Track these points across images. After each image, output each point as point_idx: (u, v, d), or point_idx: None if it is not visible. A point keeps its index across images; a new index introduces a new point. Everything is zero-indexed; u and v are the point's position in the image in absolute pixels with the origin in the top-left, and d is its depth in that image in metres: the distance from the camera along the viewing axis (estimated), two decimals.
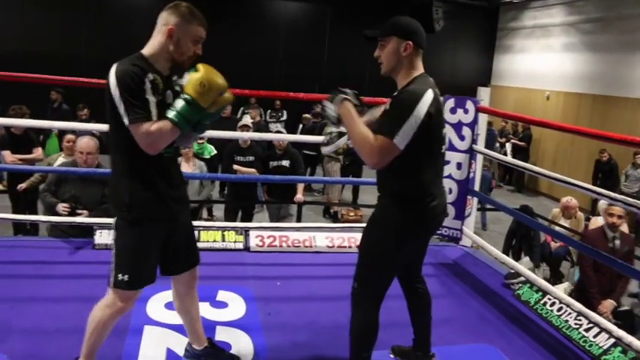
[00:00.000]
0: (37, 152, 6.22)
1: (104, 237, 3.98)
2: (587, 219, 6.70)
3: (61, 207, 3.98)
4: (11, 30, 12.03)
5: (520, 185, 12.47)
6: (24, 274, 3.53)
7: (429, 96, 2.23)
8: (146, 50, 2.22)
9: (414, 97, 2.22)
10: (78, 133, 6.05)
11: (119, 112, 2.06)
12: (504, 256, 4.17)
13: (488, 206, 7.07)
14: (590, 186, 3.36)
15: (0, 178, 8.46)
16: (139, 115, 2.04)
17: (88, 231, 4.02)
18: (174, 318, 2.99)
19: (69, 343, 2.68)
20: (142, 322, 2.93)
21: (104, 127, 5.13)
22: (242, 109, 10.43)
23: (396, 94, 2.34)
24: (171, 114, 2.08)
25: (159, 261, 2.37)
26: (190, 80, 2.09)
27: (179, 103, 2.09)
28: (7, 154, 6.04)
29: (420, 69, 2.39)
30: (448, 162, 4.28)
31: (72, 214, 3.97)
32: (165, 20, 2.18)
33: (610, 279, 4.61)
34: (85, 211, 4.00)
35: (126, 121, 2.05)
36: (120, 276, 2.26)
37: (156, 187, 2.21)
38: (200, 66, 2.13)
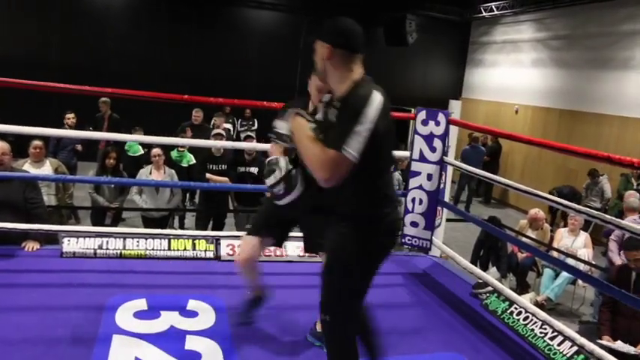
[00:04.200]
0: None
1: (72, 245, 3.92)
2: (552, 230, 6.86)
3: None
4: None
5: (488, 197, 12.66)
6: None
7: (378, 98, 2.06)
8: None
9: (362, 101, 2.03)
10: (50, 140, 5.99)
11: None
12: (472, 266, 4.23)
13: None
14: (555, 198, 3.43)
15: None
16: None
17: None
18: (143, 327, 2.97)
19: (33, 354, 2.63)
20: (111, 332, 2.89)
21: (79, 133, 5.08)
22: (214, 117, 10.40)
23: (337, 101, 2.15)
24: None
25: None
26: None
27: None
28: None
29: (357, 73, 2.18)
30: (419, 173, 4.34)
31: None
32: None
33: (630, 321, 4.19)
34: None
35: None
36: None
37: None
38: None
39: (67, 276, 3.64)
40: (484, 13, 13.10)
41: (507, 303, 3.56)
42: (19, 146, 5.50)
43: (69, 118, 7.91)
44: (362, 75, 2.19)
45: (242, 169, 6.05)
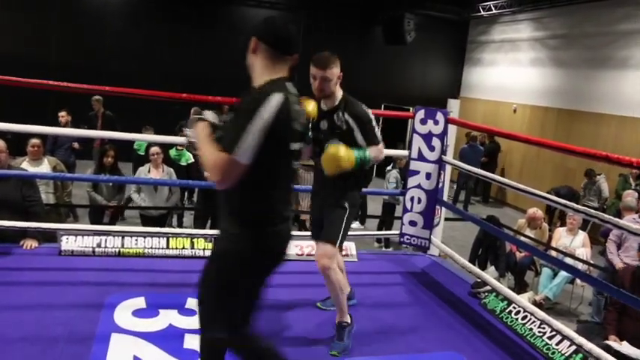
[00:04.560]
0: None
1: (70, 243, 3.92)
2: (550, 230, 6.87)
3: None
4: None
5: (486, 196, 12.67)
6: None
7: (276, 99, 1.92)
8: None
9: (257, 102, 1.91)
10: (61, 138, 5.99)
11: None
12: (471, 265, 4.24)
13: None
14: (554, 197, 3.44)
15: None
16: None
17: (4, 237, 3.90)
18: (142, 325, 2.97)
19: (29, 351, 2.63)
20: (110, 330, 2.89)
21: (72, 131, 5.07)
22: None
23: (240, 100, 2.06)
24: None
25: None
26: None
27: None
28: None
29: (277, 74, 2.05)
30: (417, 172, 4.34)
31: None
32: None
33: (638, 324, 4.06)
34: None
35: None
36: None
37: None
38: None
39: (65, 274, 3.64)
40: (482, 12, 13.11)
41: (506, 302, 3.56)
42: (18, 145, 5.49)
43: (62, 116, 7.90)
44: (281, 75, 2.06)
45: None
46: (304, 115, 2.19)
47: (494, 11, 12.72)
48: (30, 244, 3.92)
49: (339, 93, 3.01)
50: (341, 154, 2.78)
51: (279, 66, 2.06)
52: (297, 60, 2.11)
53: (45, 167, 5.40)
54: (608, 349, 3.10)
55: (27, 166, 5.18)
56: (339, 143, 2.87)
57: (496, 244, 6.49)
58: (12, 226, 3.79)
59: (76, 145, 7.88)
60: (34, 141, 5.37)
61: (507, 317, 3.46)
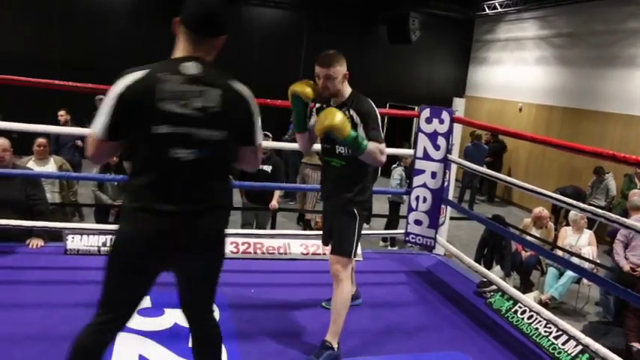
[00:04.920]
0: None
1: (76, 242, 3.93)
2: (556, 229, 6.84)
3: None
4: None
5: (492, 195, 12.64)
6: None
7: (129, 79, 1.84)
8: None
9: (117, 78, 1.87)
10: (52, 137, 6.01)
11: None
12: (476, 264, 4.22)
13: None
14: (560, 197, 3.43)
15: None
16: None
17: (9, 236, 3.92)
18: (147, 324, 2.97)
19: (35, 351, 2.64)
20: None
21: (75, 130, 5.07)
22: None
23: None
24: None
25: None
26: None
27: None
28: None
29: (178, 52, 1.95)
30: (423, 171, 4.33)
31: None
32: None
33: None
34: None
35: None
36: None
37: None
38: None
39: (70, 273, 3.64)
40: (487, 11, 13.07)
41: (511, 302, 3.55)
42: (23, 144, 5.51)
43: (61, 115, 7.91)
44: (179, 57, 1.93)
45: None
46: (195, 98, 1.85)
47: (499, 10, 12.68)
48: (36, 242, 3.93)
49: (347, 90, 2.98)
50: (337, 115, 2.71)
51: (184, 44, 1.94)
52: (222, 42, 1.98)
53: (51, 167, 5.41)
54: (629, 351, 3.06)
55: (33, 165, 5.20)
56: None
57: (502, 243, 6.46)
58: (18, 225, 3.80)
59: (79, 142, 7.88)
60: (40, 140, 5.38)
61: (513, 317, 3.45)
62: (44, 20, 12.10)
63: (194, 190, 1.95)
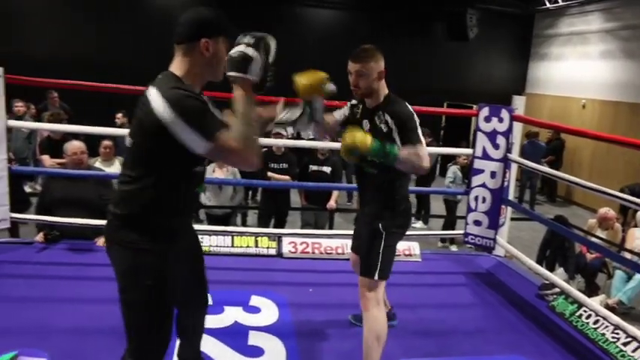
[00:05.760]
0: None
1: None
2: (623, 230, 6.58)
3: (39, 237, 4.13)
4: (58, 36, 12.39)
5: (553, 195, 12.27)
6: (63, 275, 3.63)
7: None
8: None
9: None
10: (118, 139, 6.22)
11: None
12: (538, 266, 4.12)
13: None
14: (627, 196, 3.30)
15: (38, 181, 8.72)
16: None
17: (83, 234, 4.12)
18: (208, 322, 3.04)
19: (105, 343, 2.75)
20: None
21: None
22: None
23: None
24: None
25: None
26: None
27: None
28: (46, 159, 6.21)
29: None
30: (482, 171, 4.26)
31: (48, 241, 4.09)
32: None
33: None
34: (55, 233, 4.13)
35: None
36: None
37: None
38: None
39: None
40: (548, 5, 12.68)
41: (576, 305, 3.45)
42: (89, 146, 5.74)
43: (118, 118, 8.14)
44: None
45: (314, 167, 6.12)
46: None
47: (561, 3, 12.29)
48: (103, 240, 4.09)
49: (383, 91, 2.71)
50: (356, 135, 2.48)
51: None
52: (194, 48, 2.01)
53: (116, 167, 5.61)
54: None
55: (99, 166, 5.40)
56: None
57: (565, 245, 6.27)
58: (86, 224, 3.98)
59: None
60: (106, 142, 5.59)
61: (577, 321, 3.34)
62: (103, 23, 12.56)
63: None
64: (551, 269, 6.17)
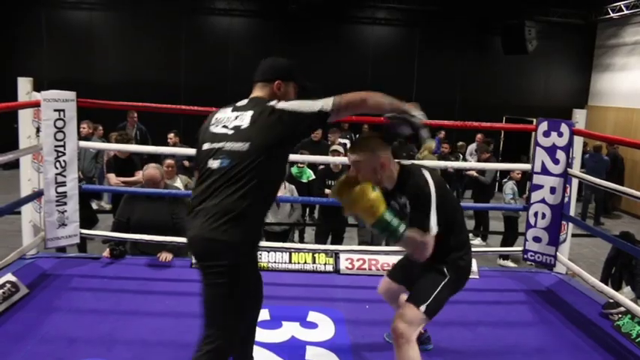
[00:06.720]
0: (139, 175, 6.61)
1: None
2: None
3: (105, 253, 4.32)
4: (122, 61, 13.00)
5: (617, 210, 11.79)
6: (128, 289, 3.78)
7: None
8: None
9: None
10: (177, 158, 6.43)
11: None
12: (602, 284, 3.98)
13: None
14: None
15: (107, 199, 9.09)
16: None
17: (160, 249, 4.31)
18: (266, 336, 3.11)
19: (169, 355, 2.86)
20: None
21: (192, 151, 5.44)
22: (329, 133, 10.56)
23: None
24: None
25: None
26: None
27: None
28: (112, 177, 6.49)
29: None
30: (541, 186, 4.18)
31: (114, 256, 4.27)
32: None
33: None
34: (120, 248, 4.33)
35: None
36: None
37: None
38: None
39: (196, 285, 3.87)
40: (612, 14, 12.32)
41: None
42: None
43: (170, 138, 8.31)
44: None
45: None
46: (226, 119, 2.28)
47: (625, 12, 11.91)
48: (165, 256, 4.25)
49: (393, 174, 2.52)
50: (363, 199, 2.31)
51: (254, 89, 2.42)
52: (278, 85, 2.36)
53: (179, 185, 5.80)
54: None
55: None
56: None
57: (632, 262, 6.03)
58: (150, 240, 4.19)
59: (186, 162, 8.15)
60: (169, 162, 5.79)
61: None
62: (172, 46, 13.06)
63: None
64: (618, 288, 5.95)
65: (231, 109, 2.34)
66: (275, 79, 2.35)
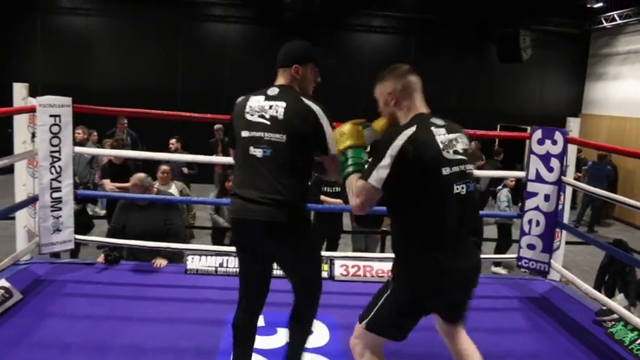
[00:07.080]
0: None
1: (195, 263, 4.20)
2: None
3: (100, 259, 4.33)
4: (117, 67, 13.00)
5: (610, 218, 11.87)
6: (122, 295, 3.77)
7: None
8: None
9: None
10: (172, 164, 6.44)
11: None
12: (596, 291, 4.01)
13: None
14: None
15: (101, 205, 9.08)
16: None
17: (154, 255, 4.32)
18: (261, 342, 3.11)
19: None
20: (231, 346, 3.04)
21: (196, 157, 5.46)
22: None
23: None
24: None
25: None
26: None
27: None
28: (107, 183, 6.49)
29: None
30: (535, 194, 4.20)
31: (109, 262, 4.28)
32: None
33: None
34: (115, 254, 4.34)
35: None
36: None
37: None
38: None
39: (190, 291, 3.89)
40: (605, 24, 12.43)
41: (636, 333, 3.34)
42: (148, 171, 5.97)
43: (172, 144, 8.33)
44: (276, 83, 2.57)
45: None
46: (260, 108, 2.43)
47: (618, 21, 12.02)
48: (160, 262, 4.25)
49: (403, 118, 2.29)
50: (345, 126, 2.28)
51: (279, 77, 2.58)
52: (298, 70, 2.51)
53: (174, 191, 5.81)
54: None
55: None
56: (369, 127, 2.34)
57: (625, 269, 6.06)
58: (143, 246, 4.19)
59: (185, 170, 8.17)
60: (164, 167, 5.80)
61: (639, 349, 3.24)
62: (171, 53, 13.09)
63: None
64: (611, 295, 5.97)
65: (263, 97, 2.45)
66: (292, 64, 2.50)
